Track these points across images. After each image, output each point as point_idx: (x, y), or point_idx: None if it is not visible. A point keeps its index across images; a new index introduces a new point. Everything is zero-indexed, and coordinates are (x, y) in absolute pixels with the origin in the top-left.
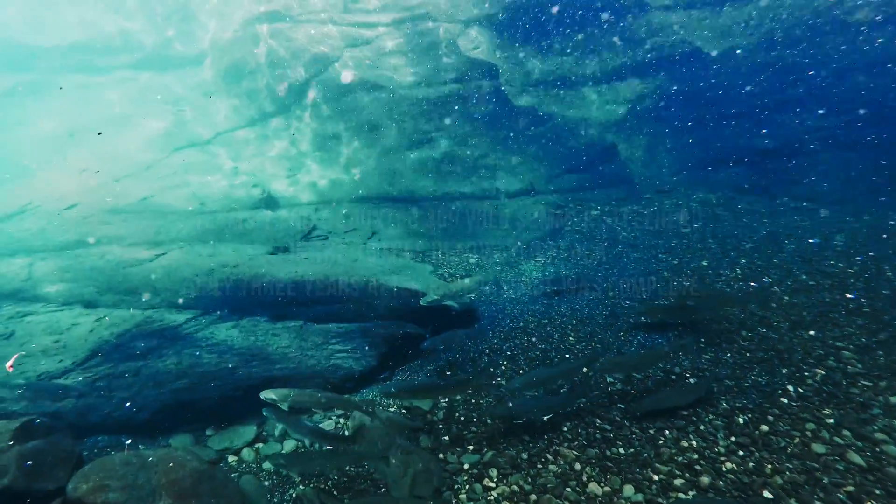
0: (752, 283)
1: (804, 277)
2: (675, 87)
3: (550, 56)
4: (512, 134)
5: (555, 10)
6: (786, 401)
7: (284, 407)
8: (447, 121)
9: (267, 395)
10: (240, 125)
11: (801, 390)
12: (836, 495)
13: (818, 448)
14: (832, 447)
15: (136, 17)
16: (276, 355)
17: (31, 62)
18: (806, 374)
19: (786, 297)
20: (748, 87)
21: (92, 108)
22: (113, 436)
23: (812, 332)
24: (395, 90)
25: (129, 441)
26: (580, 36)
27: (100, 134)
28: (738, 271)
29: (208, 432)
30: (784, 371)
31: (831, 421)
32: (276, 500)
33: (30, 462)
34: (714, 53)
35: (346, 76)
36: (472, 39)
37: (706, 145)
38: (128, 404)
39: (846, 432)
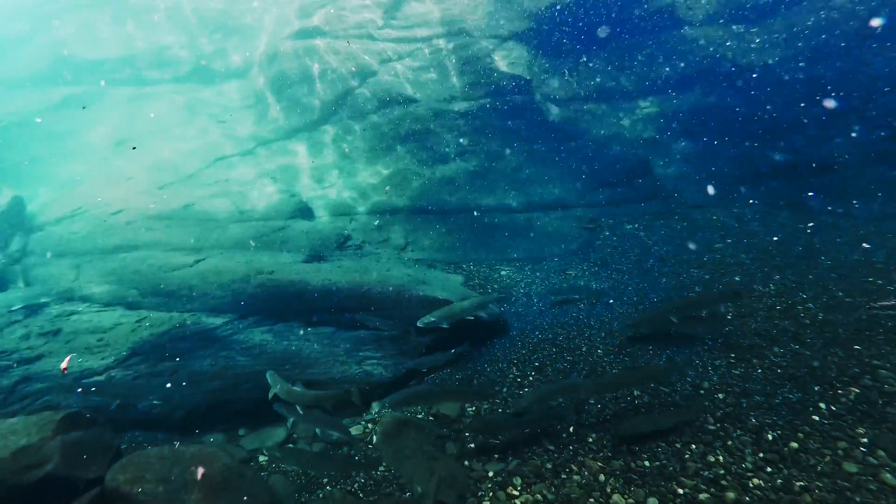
0: (784, 301)
1: (840, 294)
2: (710, 102)
3: (585, 71)
4: (545, 148)
5: (589, 26)
6: (817, 418)
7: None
8: (481, 134)
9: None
10: (278, 137)
11: (833, 408)
12: None
13: (850, 467)
14: (865, 467)
15: (182, 33)
16: (308, 360)
17: (83, 75)
18: (840, 391)
19: (820, 315)
20: (785, 102)
21: (139, 119)
22: (149, 432)
23: (847, 350)
24: (431, 104)
25: (164, 437)
26: (615, 51)
27: (134, 148)
28: (772, 287)
29: (241, 432)
30: (816, 388)
31: (865, 440)
32: (303, 499)
33: (71, 451)
34: (750, 68)
35: (382, 90)
36: (507, 55)
37: (742, 161)
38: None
39: (881, 452)
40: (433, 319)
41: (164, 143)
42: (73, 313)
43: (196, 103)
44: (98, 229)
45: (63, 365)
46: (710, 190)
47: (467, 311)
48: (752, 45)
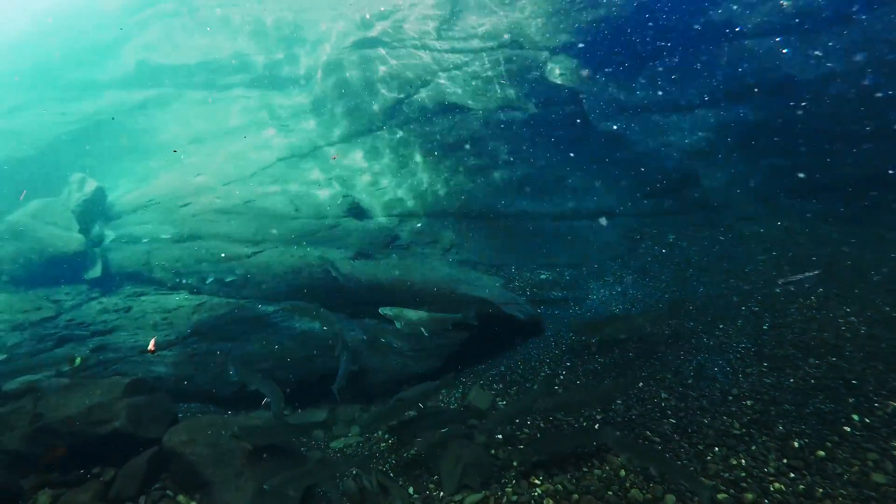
0: (825, 313)
1: (887, 309)
2: (762, 115)
3: (636, 83)
4: (593, 158)
5: (642, 38)
6: (849, 429)
7: None
8: (530, 143)
9: None
10: (337, 141)
11: (867, 420)
12: None
13: (878, 478)
14: (895, 478)
15: (252, 42)
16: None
17: (161, 79)
18: (876, 404)
19: (863, 329)
20: (841, 115)
21: (210, 120)
22: (203, 404)
23: (889, 364)
24: (483, 112)
25: (216, 410)
26: (667, 64)
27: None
28: (813, 299)
29: (286, 411)
30: (851, 400)
31: None
32: (338, 473)
33: (136, 412)
34: (805, 80)
35: (437, 98)
36: (558, 66)
37: (795, 174)
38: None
39: None
40: (389, 312)
41: (231, 143)
42: (142, 294)
43: (263, 107)
44: (167, 220)
45: (150, 346)
46: (759, 203)
47: (423, 322)
48: (809, 57)
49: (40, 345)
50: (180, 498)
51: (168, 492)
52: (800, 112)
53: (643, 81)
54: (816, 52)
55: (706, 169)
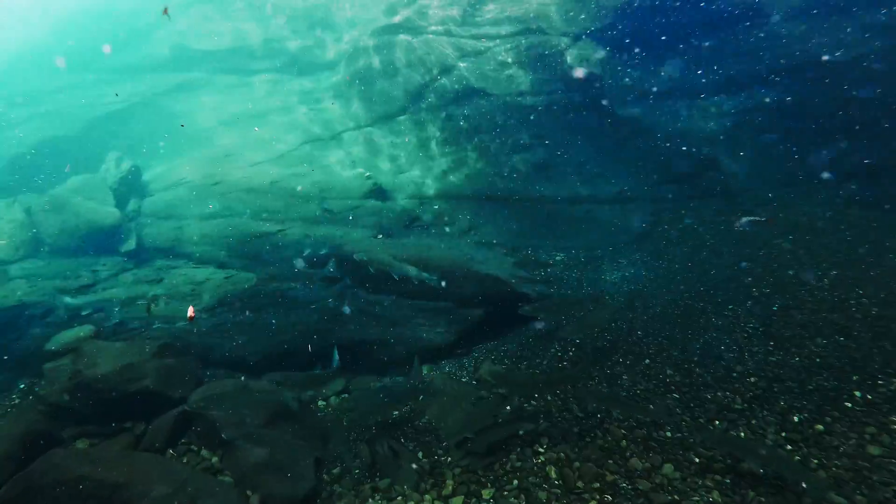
0: (837, 295)
1: None
2: (788, 99)
3: (658, 68)
4: (613, 143)
5: (665, 22)
6: (850, 405)
7: None
8: (550, 128)
9: None
10: (361, 125)
11: (869, 397)
12: (880, 492)
13: (874, 450)
14: (890, 451)
15: (282, 28)
16: (369, 322)
17: (194, 63)
18: (880, 382)
19: (875, 310)
20: (869, 100)
21: (239, 104)
22: (227, 371)
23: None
24: (504, 98)
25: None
26: (690, 48)
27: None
28: (826, 282)
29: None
30: (855, 378)
31: None
32: (352, 437)
33: (164, 373)
34: (833, 64)
35: (459, 84)
36: (580, 52)
37: (817, 160)
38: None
39: None
40: (363, 257)
41: (260, 126)
42: (173, 267)
43: (292, 91)
44: (198, 197)
45: (190, 313)
46: (781, 188)
47: (395, 268)
48: (838, 40)
49: (82, 310)
50: (204, 453)
51: (193, 447)
52: (827, 97)
53: (665, 66)
54: (845, 36)
55: (727, 154)
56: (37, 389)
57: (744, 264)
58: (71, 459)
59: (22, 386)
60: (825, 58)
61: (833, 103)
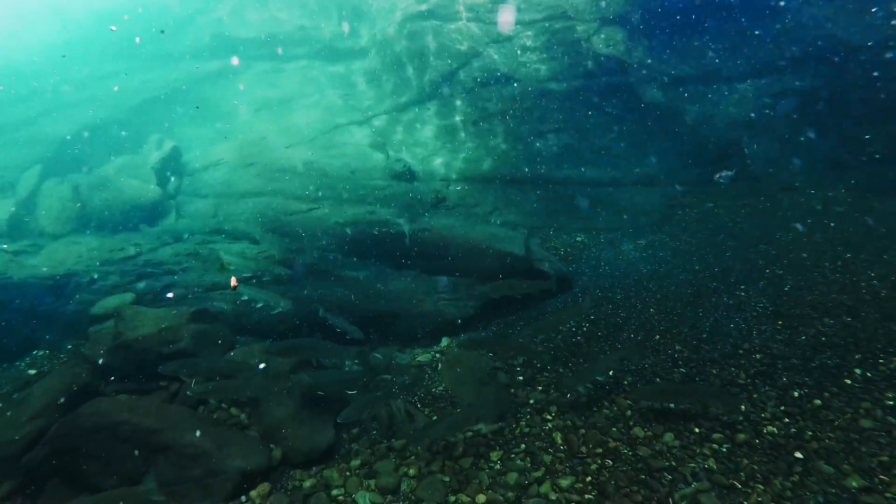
0: (849, 277)
1: None
2: (814, 85)
3: (684, 54)
4: (637, 127)
5: (692, 7)
6: (849, 382)
7: None
8: (576, 113)
9: None
10: (391, 109)
11: (869, 374)
12: (866, 462)
13: (866, 423)
14: (881, 424)
15: (316, 16)
16: (391, 295)
17: (233, 50)
18: (881, 360)
19: (884, 292)
20: (893, 84)
21: (275, 89)
22: (257, 339)
23: None
24: (530, 83)
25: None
26: (717, 34)
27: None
28: (840, 264)
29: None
30: (857, 356)
31: (891, 403)
32: (370, 401)
33: (198, 337)
34: (862, 49)
35: (486, 70)
36: (606, 37)
37: (843, 146)
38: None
39: None
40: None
41: (294, 110)
42: (209, 242)
43: (324, 77)
44: (234, 177)
45: (233, 283)
46: (805, 173)
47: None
48: (868, 25)
49: (123, 279)
50: (232, 410)
51: (223, 405)
52: (855, 83)
53: (692, 52)
54: (875, 21)
55: (752, 139)
56: (82, 349)
57: (761, 247)
58: (112, 407)
59: (69, 347)
60: (851, 43)
61: (859, 89)
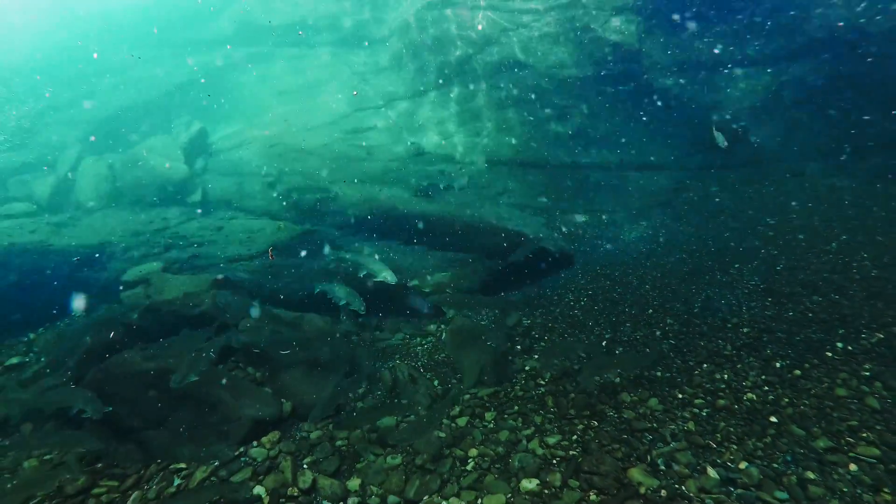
0: (842, 258)
1: None
2: (822, 72)
3: (694, 41)
4: (646, 113)
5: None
6: (830, 354)
7: None
8: (586, 99)
9: None
10: (409, 95)
11: (850, 348)
12: (836, 425)
13: (840, 391)
14: (855, 392)
15: (341, 3)
16: (401, 268)
17: (259, 37)
18: (863, 335)
19: (874, 272)
20: None
21: (298, 75)
22: (274, 306)
23: (889, 303)
24: (542, 70)
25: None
26: (726, 21)
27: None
28: (834, 245)
29: (343, 317)
30: (841, 331)
31: (867, 374)
32: (377, 365)
33: (218, 302)
34: (869, 37)
35: (501, 56)
36: (617, 25)
37: (849, 132)
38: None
39: (877, 383)
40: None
41: (316, 95)
42: (233, 217)
43: (346, 63)
44: (258, 157)
45: (270, 254)
46: (811, 159)
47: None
48: (877, 13)
49: (153, 249)
50: (249, 370)
51: (240, 364)
52: (862, 70)
53: (702, 39)
54: (881, 7)
55: (760, 125)
56: (115, 312)
57: (759, 228)
58: (138, 357)
59: (104, 307)
60: (861, 30)
61: (868, 77)
